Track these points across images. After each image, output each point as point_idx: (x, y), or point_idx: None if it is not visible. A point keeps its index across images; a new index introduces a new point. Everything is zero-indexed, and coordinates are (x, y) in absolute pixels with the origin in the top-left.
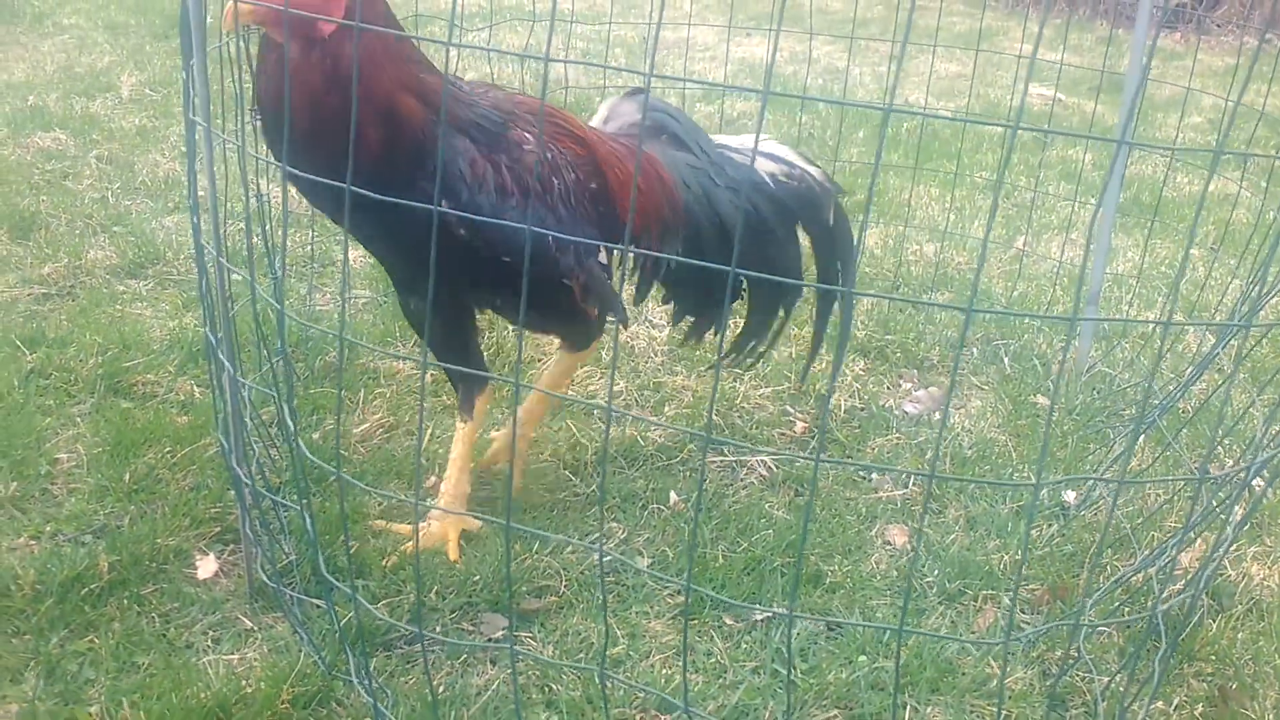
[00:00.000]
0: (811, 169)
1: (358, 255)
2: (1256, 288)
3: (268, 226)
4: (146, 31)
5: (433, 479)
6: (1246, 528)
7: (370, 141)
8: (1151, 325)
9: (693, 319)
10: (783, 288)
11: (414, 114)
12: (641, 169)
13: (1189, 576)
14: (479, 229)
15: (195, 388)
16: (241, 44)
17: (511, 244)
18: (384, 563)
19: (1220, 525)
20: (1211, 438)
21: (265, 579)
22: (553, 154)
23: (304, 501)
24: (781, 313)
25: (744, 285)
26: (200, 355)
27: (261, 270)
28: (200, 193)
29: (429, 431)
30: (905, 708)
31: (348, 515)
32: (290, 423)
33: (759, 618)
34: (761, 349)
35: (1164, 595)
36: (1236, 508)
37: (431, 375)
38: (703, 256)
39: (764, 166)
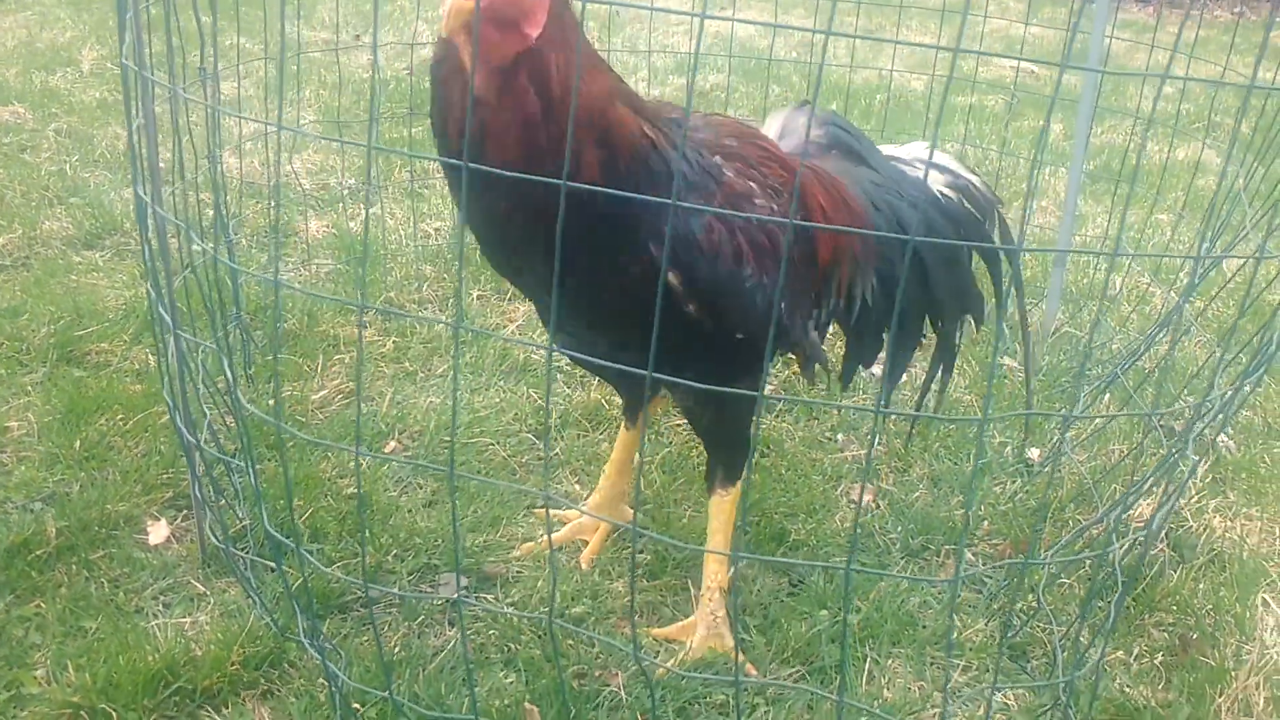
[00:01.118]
0: (973, 178)
1: (320, 225)
2: (1209, 235)
3: (222, 193)
4: (109, 7)
5: (391, 444)
6: (1205, 479)
7: (589, 165)
8: (1108, 256)
9: (877, 366)
10: (969, 317)
11: (628, 124)
12: (835, 196)
13: (1159, 529)
14: (712, 303)
15: (150, 356)
16: None
17: (749, 318)
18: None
19: (1173, 472)
20: (1159, 381)
21: (217, 543)
22: (773, 196)
23: (249, 461)
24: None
25: (940, 320)
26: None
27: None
28: (159, 158)
29: (386, 397)
30: (866, 659)
31: (302, 480)
32: (229, 375)
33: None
34: (942, 387)
35: (1120, 544)
36: (1191, 457)
37: (393, 341)
38: (895, 290)
39: (935, 179)
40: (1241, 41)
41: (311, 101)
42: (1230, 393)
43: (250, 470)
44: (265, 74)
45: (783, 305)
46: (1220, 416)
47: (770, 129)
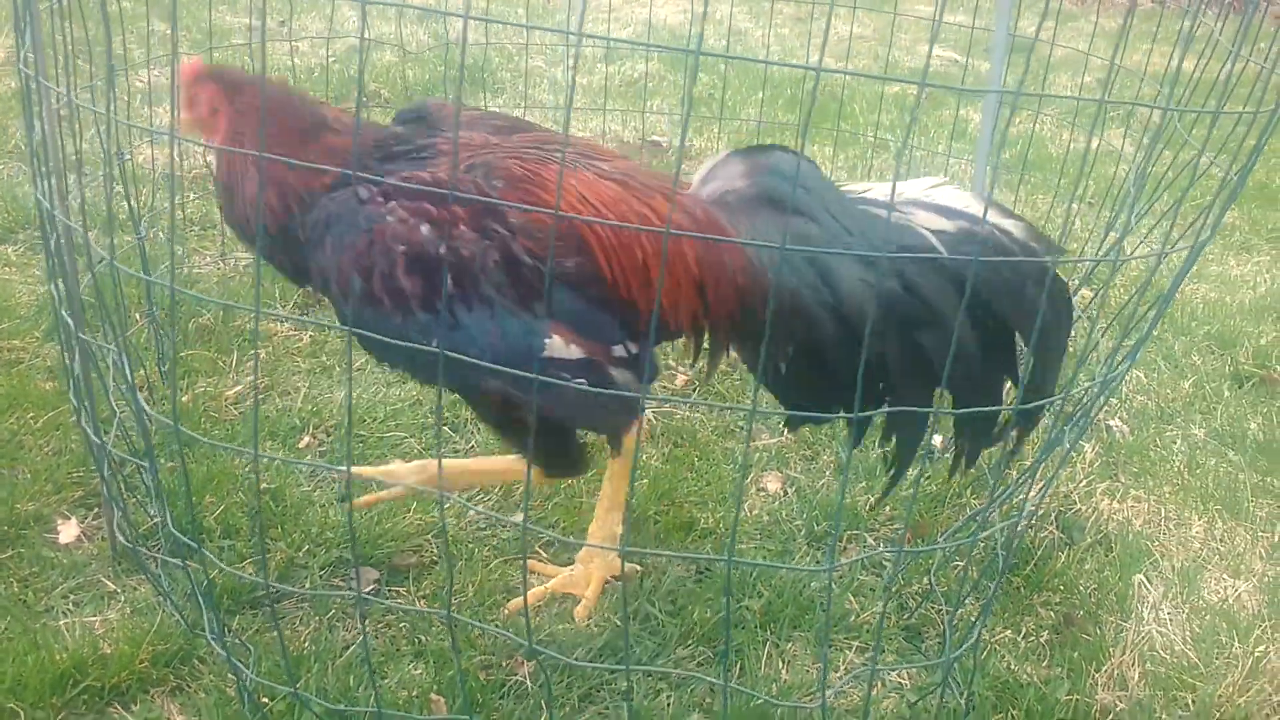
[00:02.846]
0: (1007, 222)
1: None
2: (1116, 224)
3: (129, 188)
4: None
5: (306, 438)
6: (1095, 463)
7: (269, 212)
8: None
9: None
10: (978, 396)
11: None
12: (674, 242)
13: (1035, 509)
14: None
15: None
16: None
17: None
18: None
19: (1055, 454)
20: (1072, 371)
21: (126, 542)
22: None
23: (151, 462)
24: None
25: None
26: None
27: (129, 233)
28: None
29: (301, 392)
30: (766, 643)
31: (211, 477)
32: (127, 373)
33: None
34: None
35: (1000, 526)
36: (1068, 436)
37: (309, 335)
38: (824, 357)
39: (928, 223)
40: (1163, 31)
41: None
42: (1105, 373)
43: (152, 471)
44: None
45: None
46: (1100, 399)
47: (697, 175)
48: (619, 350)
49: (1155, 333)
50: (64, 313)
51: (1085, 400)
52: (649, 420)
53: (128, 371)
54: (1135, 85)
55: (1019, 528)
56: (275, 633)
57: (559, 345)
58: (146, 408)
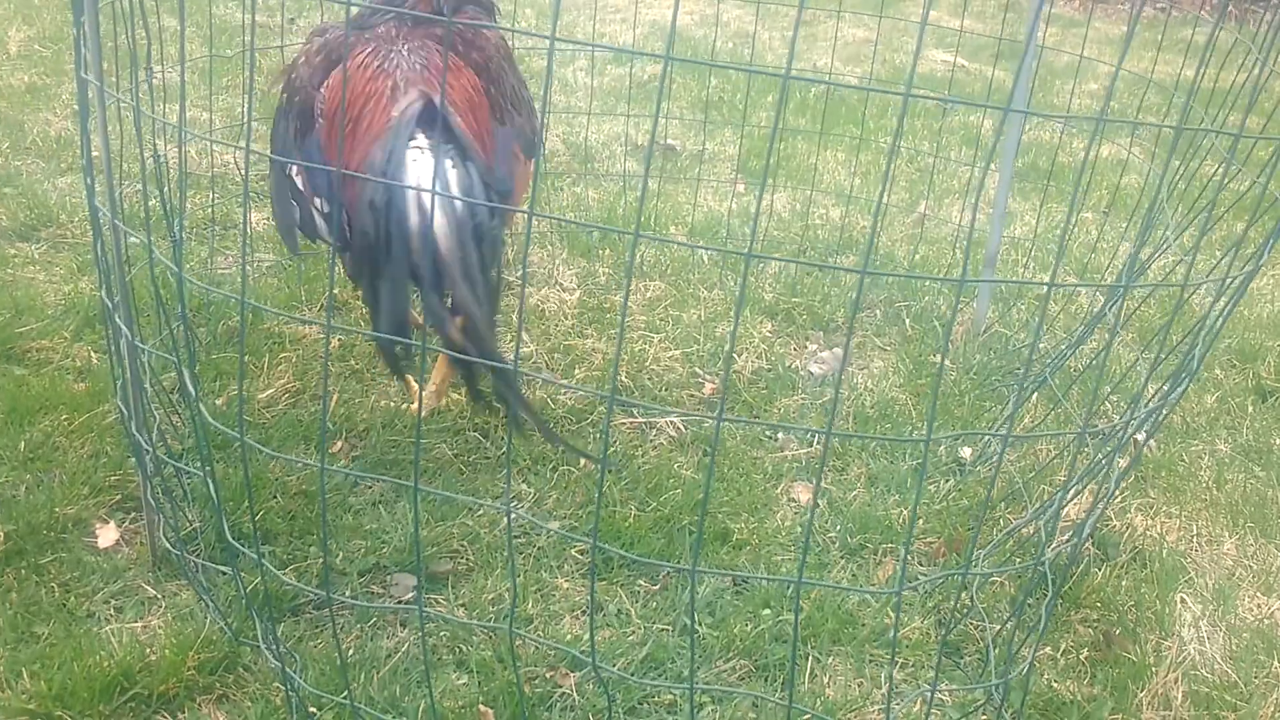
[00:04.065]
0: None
1: (260, 218)
2: (1140, 249)
3: (166, 189)
4: None
5: (339, 443)
6: (1130, 480)
7: None
8: (1044, 286)
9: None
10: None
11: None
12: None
13: (1074, 526)
14: None
15: (92, 353)
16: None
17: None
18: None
19: (1104, 477)
20: (1094, 393)
21: (168, 546)
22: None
23: (207, 468)
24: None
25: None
26: (96, 320)
27: (160, 233)
28: (94, 153)
29: (335, 397)
30: (808, 658)
31: (251, 482)
32: (191, 388)
33: (667, 575)
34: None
35: (1050, 545)
36: (1119, 460)
37: (338, 340)
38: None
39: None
40: (1167, 40)
41: (244, 89)
42: (1159, 402)
43: (209, 479)
44: (211, 62)
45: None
46: (1151, 420)
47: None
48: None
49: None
50: (119, 320)
51: (1119, 427)
52: (678, 429)
53: (189, 381)
54: (1142, 92)
55: (1074, 551)
56: (317, 641)
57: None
58: (208, 416)
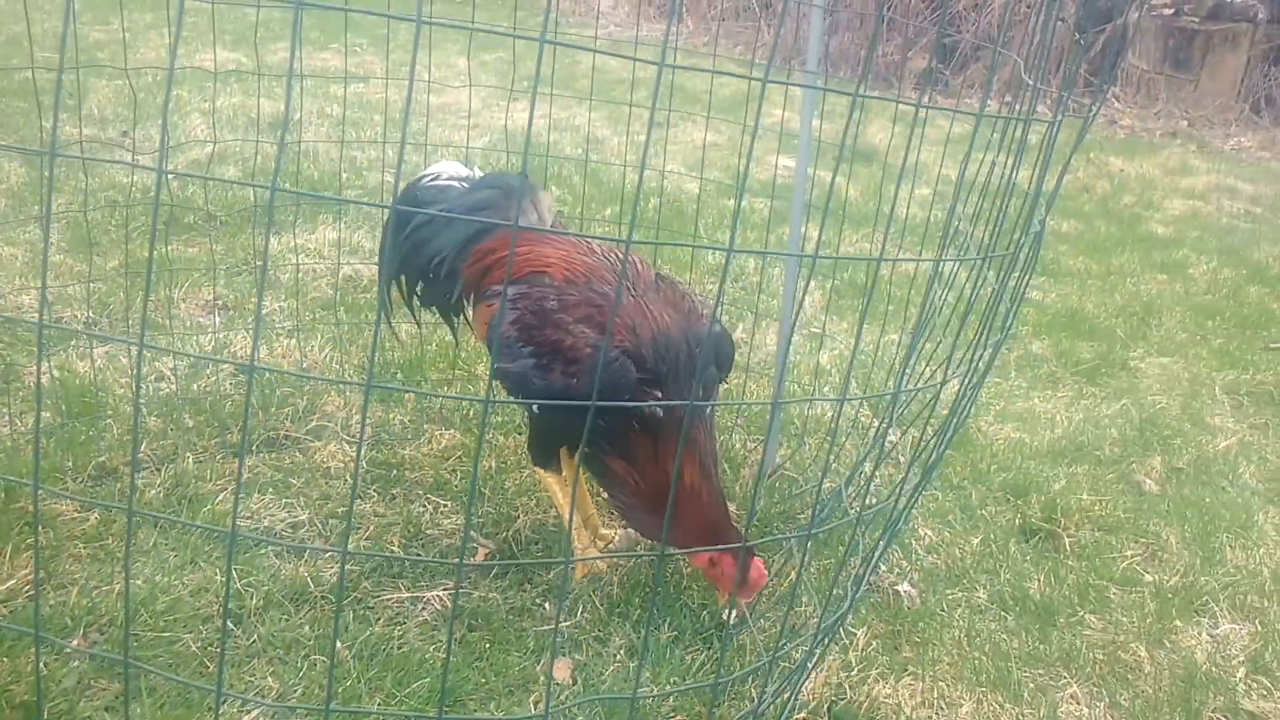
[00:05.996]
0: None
1: (50, 366)
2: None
3: None
4: None
5: (77, 640)
6: (877, 634)
7: None
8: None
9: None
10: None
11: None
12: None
13: (813, 704)
14: None
15: None
16: None
17: None
18: None
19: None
20: (852, 535)
21: None
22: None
23: None
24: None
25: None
26: None
27: None
28: None
29: (79, 584)
30: None
31: None
32: None
33: None
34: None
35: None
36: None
37: (95, 515)
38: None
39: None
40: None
41: (60, 214)
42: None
43: None
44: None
45: None
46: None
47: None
48: None
49: (956, 481)
50: None
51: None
52: (443, 602)
53: None
54: (974, 199)
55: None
56: None
57: None
58: None
